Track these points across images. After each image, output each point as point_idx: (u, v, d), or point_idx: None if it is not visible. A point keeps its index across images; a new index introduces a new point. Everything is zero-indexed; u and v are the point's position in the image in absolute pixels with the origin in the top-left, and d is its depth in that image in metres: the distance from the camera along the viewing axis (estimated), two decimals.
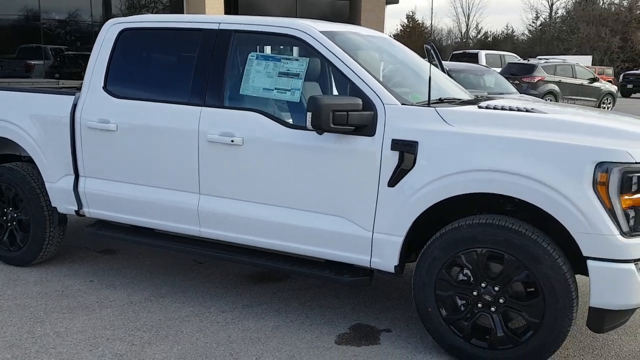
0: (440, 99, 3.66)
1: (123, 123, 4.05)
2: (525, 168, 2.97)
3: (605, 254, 2.87)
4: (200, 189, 3.85)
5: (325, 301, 4.11)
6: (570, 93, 18.84)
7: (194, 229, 3.95)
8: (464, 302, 3.24)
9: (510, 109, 3.37)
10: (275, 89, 3.65)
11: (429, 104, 3.38)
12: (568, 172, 2.91)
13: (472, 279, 3.20)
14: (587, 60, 36.52)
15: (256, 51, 3.89)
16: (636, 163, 2.86)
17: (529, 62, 19.18)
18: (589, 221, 2.86)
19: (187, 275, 4.58)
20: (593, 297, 2.94)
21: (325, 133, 3.35)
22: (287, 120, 3.65)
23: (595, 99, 19.58)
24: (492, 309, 3.15)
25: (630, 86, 31.12)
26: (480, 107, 3.45)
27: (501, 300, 3.13)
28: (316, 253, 3.60)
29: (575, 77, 19.17)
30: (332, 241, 3.51)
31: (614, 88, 20.28)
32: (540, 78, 17.92)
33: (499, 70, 19.49)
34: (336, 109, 3.24)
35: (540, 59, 21.59)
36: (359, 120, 3.31)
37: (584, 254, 2.91)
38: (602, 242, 2.86)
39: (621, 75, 32.52)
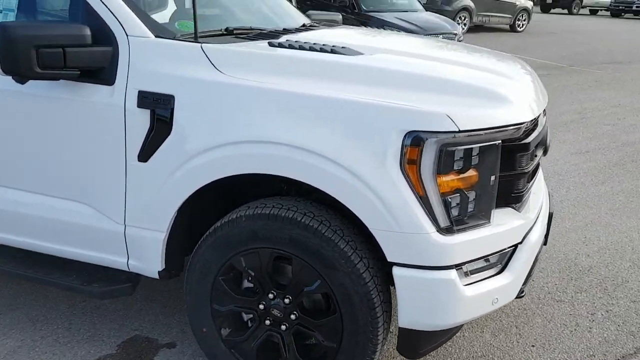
0: (227, 30, 2.58)
1: None
2: (304, 137, 2.01)
3: (416, 258, 2.00)
4: None
5: (109, 305, 3.13)
6: (485, 9, 17.99)
7: None
8: (251, 317, 2.35)
9: (312, 49, 2.34)
10: None
11: (195, 37, 2.30)
12: (365, 144, 1.97)
13: (257, 288, 2.29)
14: None
15: None
16: (461, 132, 1.95)
17: None
18: (392, 214, 1.96)
19: None
20: (402, 315, 2.09)
21: (20, 79, 2.22)
22: None
23: (510, 16, 18.85)
24: (283, 327, 2.27)
25: (549, 1, 30.63)
26: (271, 45, 2.40)
27: (293, 317, 2.24)
28: (63, 253, 2.56)
29: None
30: (75, 237, 2.48)
31: (529, 4, 19.52)
32: None
33: None
34: (43, 44, 2.11)
35: None
36: (87, 60, 2.19)
37: (388, 258, 2.03)
38: (411, 243, 1.98)
39: None
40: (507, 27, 19.10)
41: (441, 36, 10.20)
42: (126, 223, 2.36)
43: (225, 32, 2.56)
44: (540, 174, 2.83)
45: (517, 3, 18.92)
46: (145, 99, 2.19)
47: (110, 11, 2.25)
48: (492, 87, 2.17)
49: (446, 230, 1.99)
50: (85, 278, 2.53)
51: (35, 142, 2.40)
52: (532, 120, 2.24)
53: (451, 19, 16.21)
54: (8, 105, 2.40)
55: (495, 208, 2.15)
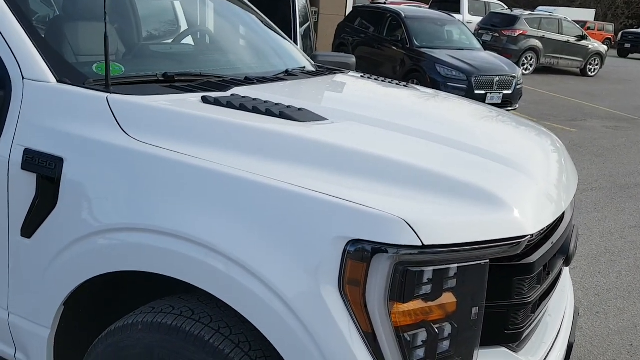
0: (165, 75, 2.07)
1: None
2: (213, 232, 1.45)
3: None
4: None
5: None
6: (553, 51, 17.02)
7: None
8: None
9: (256, 109, 1.79)
10: None
11: (107, 85, 1.80)
12: (293, 251, 1.40)
13: None
14: (589, 14, 34.12)
15: None
16: (426, 247, 1.34)
17: (511, 13, 17.21)
18: (321, 352, 1.37)
19: None
20: None
21: None
22: None
23: (581, 59, 17.74)
24: None
25: (628, 45, 29.08)
26: (205, 101, 1.86)
27: None
28: None
29: (562, 33, 17.27)
30: None
31: (603, 48, 18.35)
32: (521, 32, 16.07)
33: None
34: None
35: (541, 10, 19.65)
36: None
37: None
38: None
39: (620, 33, 30.42)
40: (578, 70, 18.00)
41: (497, 78, 9.48)
42: (9, 310, 1.87)
43: (161, 79, 2.06)
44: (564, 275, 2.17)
45: (590, 46, 17.81)
46: (30, 160, 1.71)
47: (8, 45, 1.79)
48: (485, 185, 1.55)
49: None
50: None
51: None
52: (543, 230, 1.61)
53: (517, 59, 15.46)
54: None
55: (480, 347, 1.53)
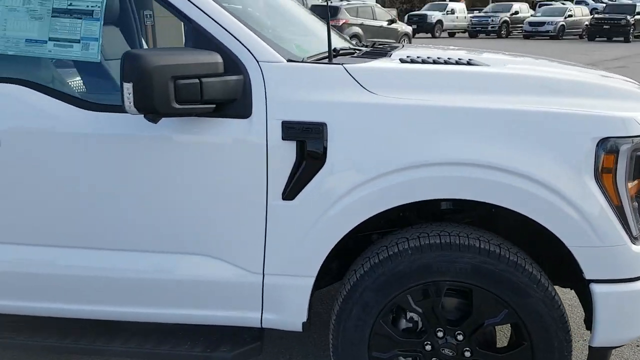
0: (335, 50, 2.37)
1: None
2: (491, 155, 1.88)
3: (615, 272, 1.93)
4: None
5: None
6: (371, 35, 18.68)
7: None
8: None
9: (447, 63, 2.22)
10: (51, 39, 2.04)
11: (330, 59, 2.09)
12: (558, 155, 1.88)
13: (422, 327, 2.09)
14: (371, 1, 37.45)
15: None
16: None
17: (332, 4, 18.54)
18: (592, 228, 1.88)
19: None
20: (599, 333, 2.00)
21: (153, 118, 1.85)
22: (81, 97, 2.09)
23: (394, 41, 19.79)
24: None
25: (414, 27, 32.64)
26: (403, 61, 2.24)
27: (467, 354, 2.06)
28: (172, 317, 2.17)
29: (375, 19, 19.07)
30: (191, 296, 2.12)
31: (409, 29, 20.71)
32: (345, 21, 17.43)
33: None
34: (180, 75, 1.80)
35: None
36: (222, 91, 1.90)
37: (587, 276, 1.94)
38: (611, 256, 1.92)
39: (406, 16, 33.96)
40: None
41: None
42: (265, 272, 2.06)
43: (335, 53, 2.35)
44: None
45: (399, 29, 19.97)
46: (292, 130, 1.93)
47: (233, 35, 1.97)
48: None
49: (636, 239, 1.95)
50: (204, 344, 2.16)
51: (142, 190, 2.03)
52: None
53: None
54: (113, 154, 2.01)
55: None
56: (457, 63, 2.21)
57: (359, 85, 1.98)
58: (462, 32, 34.91)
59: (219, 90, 1.88)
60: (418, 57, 2.29)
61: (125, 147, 2.00)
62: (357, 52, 2.48)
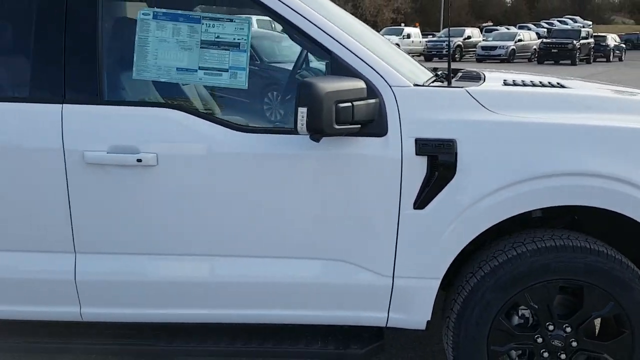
0: (437, 73, 2.62)
1: None
2: (620, 168, 2.16)
3: None
4: (76, 244, 2.27)
5: None
6: None
7: (69, 310, 2.34)
8: (520, 353, 2.37)
9: (543, 85, 2.52)
10: (200, 68, 2.23)
11: (449, 82, 2.35)
12: None
13: (534, 321, 2.33)
14: None
15: (149, 4, 2.37)
16: None
17: None
18: None
19: None
20: None
21: (318, 138, 2.06)
22: (232, 120, 2.27)
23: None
24: (563, 356, 2.33)
25: None
26: (506, 84, 2.52)
27: (574, 344, 2.32)
28: (300, 318, 2.35)
29: None
30: (327, 298, 2.31)
31: None
32: None
33: None
34: (340, 99, 2.02)
35: None
36: (365, 113, 2.12)
37: None
38: None
39: None
40: None
41: None
42: (395, 274, 2.26)
43: (436, 77, 2.60)
44: None
45: None
46: (425, 146, 2.16)
47: (369, 65, 2.21)
48: None
49: None
50: (334, 343, 2.37)
51: (288, 204, 2.22)
52: None
53: None
54: (264, 172, 2.20)
55: None
56: (551, 86, 2.50)
57: (480, 105, 2.23)
58: (417, 55, 36.07)
59: (363, 112, 2.10)
60: (514, 80, 2.58)
61: (279, 165, 2.18)
62: (454, 76, 2.73)
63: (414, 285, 2.27)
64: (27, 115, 2.19)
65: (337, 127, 2.00)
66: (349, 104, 2.03)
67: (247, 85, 2.21)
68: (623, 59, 31.82)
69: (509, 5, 78.31)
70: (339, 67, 2.20)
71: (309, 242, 2.26)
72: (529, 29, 40.04)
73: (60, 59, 2.18)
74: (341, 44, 2.21)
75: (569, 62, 27.54)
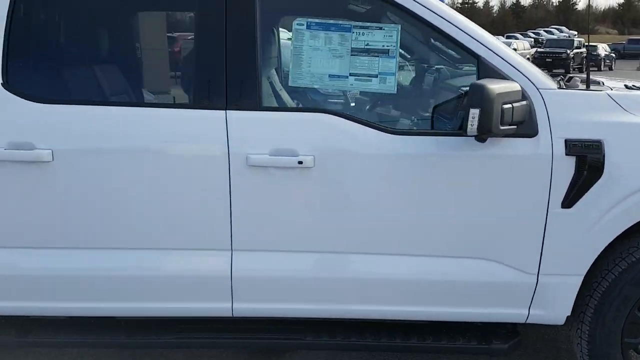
0: (566, 77, 2.72)
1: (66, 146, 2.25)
2: None
3: None
4: (234, 242, 2.33)
5: None
6: None
7: (222, 306, 2.41)
8: None
9: None
10: (351, 74, 2.31)
11: (587, 86, 2.45)
12: None
13: None
14: None
15: (303, 15, 2.45)
16: None
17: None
18: None
19: None
20: None
21: (484, 139, 2.15)
22: (384, 124, 2.35)
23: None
24: None
25: None
26: (628, 87, 2.63)
27: None
28: (445, 315, 2.43)
29: None
30: (472, 295, 2.38)
31: None
32: None
33: None
34: (504, 101, 2.11)
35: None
36: (521, 114, 2.19)
37: None
38: None
39: None
40: None
41: None
42: (540, 272, 2.34)
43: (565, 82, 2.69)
44: None
45: None
46: (575, 146, 2.24)
47: (517, 69, 2.29)
48: None
49: None
50: (476, 339, 2.45)
51: (439, 203, 2.30)
52: None
53: None
54: (418, 172, 2.27)
55: None
56: None
57: (621, 107, 2.32)
58: None
59: (519, 114, 2.18)
60: (633, 85, 2.70)
61: (436, 166, 2.26)
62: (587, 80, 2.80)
63: (557, 282, 2.35)
64: (191, 120, 2.26)
65: (501, 127, 2.08)
66: (510, 105, 2.12)
67: (395, 89, 2.29)
68: (613, 68, 32.37)
69: (495, 15, 79.54)
70: (487, 71, 2.28)
71: (460, 240, 2.32)
72: (517, 38, 40.46)
73: (223, 67, 2.26)
74: (488, 48, 2.29)
75: (562, 70, 27.93)
